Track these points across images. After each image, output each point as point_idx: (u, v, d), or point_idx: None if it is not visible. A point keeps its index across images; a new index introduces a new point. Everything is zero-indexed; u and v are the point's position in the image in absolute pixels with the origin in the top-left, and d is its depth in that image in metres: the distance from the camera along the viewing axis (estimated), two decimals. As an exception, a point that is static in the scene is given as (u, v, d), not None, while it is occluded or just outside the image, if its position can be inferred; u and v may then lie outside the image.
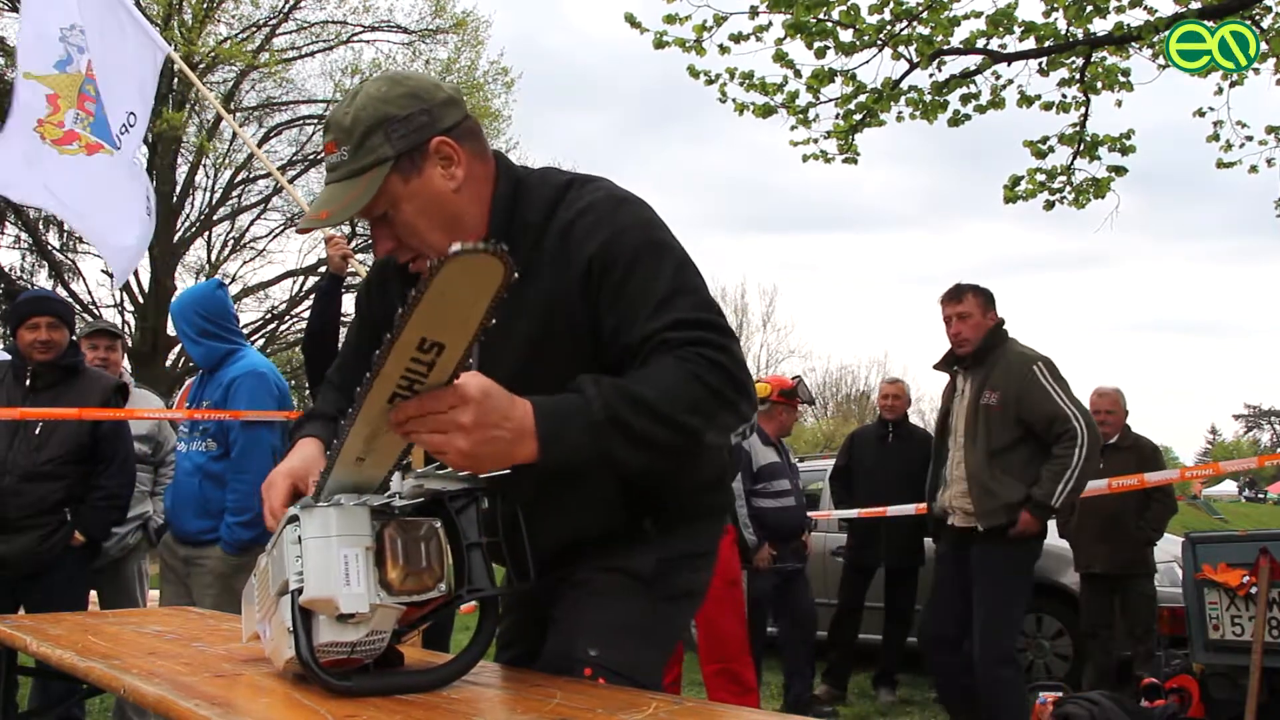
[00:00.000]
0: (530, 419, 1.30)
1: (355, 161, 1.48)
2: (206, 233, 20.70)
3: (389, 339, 1.17)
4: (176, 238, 19.33)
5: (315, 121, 20.22)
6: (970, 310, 4.30)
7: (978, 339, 4.29)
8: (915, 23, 7.20)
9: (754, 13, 7.20)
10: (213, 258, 21.15)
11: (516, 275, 1.16)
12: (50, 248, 18.86)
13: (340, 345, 4.13)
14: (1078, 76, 7.59)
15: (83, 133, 4.63)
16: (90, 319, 18.67)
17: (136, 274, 19.39)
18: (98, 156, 4.63)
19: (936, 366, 4.57)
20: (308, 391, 6.26)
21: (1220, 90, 7.59)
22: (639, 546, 1.66)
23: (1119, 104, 7.72)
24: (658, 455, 1.38)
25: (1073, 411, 4.09)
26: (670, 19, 7.33)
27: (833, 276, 73.15)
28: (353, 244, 6.46)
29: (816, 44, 7.24)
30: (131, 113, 4.67)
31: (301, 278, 20.91)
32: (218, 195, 20.27)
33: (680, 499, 1.68)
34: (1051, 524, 6.21)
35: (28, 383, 3.87)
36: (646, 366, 1.43)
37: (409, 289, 1.16)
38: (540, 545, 1.54)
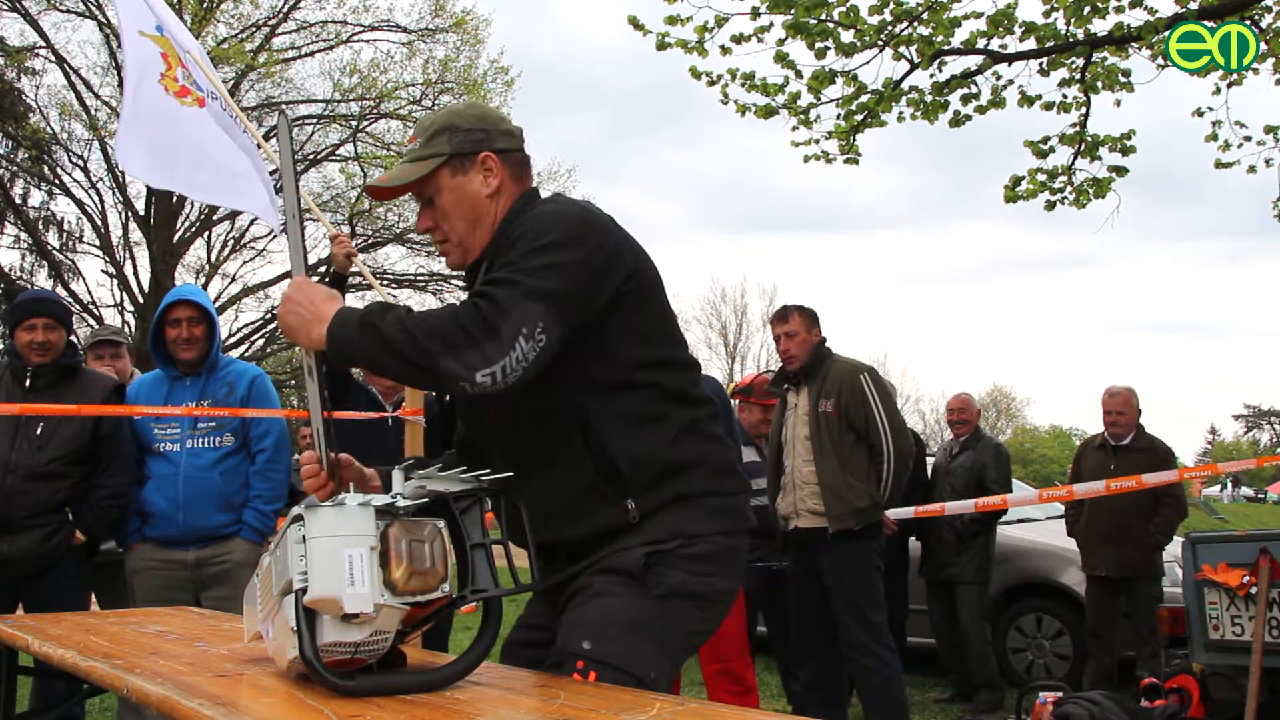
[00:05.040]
0: (331, 314, 1.64)
1: (422, 150, 1.87)
2: (206, 232, 20.69)
3: None
4: (176, 238, 19.32)
5: (315, 121, 20.22)
6: (796, 329, 4.64)
7: (804, 355, 4.61)
8: (915, 23, 7.19)
9: (755, 13, 7.20)
10: (213, 257, 21.15)
11: None
12: (50, 248, 18.84)
13: None
14: (1078, 76, 7.58)
15: (193, 88, 4.68)
16: (90, 319, 18.67)
17: (136, 274, 19.43)
18: (210, 106, 4.68)
19: (769, 389, 4.88)
20: (308, 392, 6.25)
21: (1219, 90, 7.57)
22: (627, 538, 1.72)
23: (1118, 104, 7.71)
24: (401, 362, 1.59)
25: (884, 426, 4.43)
26: (672, 20, 7.33)
27: (832, 276, 73.24)
28: (355, 243, 6.44)
29: (817, 45, 7.23)
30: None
31: (302, 277, 20.84)
32: (218, 195, 20.22)
33: (661, 485, 1.75)
34: (1058, 525, 6.25)
35: (27, 383, 3.87)
36: None
37: None
38: (532, 529, 1.60)
